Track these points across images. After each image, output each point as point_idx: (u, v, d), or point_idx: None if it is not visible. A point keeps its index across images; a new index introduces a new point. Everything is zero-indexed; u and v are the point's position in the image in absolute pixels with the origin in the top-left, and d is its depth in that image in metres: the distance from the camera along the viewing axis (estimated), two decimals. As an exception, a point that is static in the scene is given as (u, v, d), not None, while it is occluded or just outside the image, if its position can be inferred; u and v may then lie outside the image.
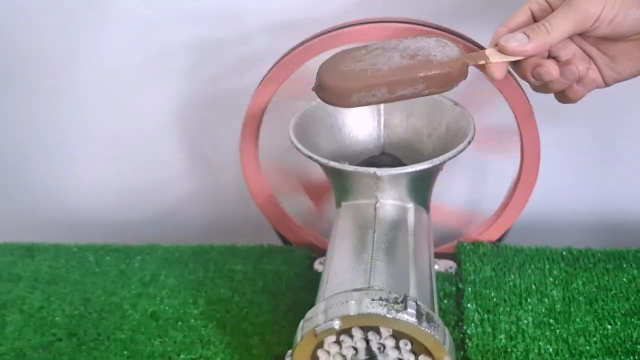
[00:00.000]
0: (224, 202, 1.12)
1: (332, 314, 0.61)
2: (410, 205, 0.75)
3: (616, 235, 1.04)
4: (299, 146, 0.73)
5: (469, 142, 0.72)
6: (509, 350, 0.79)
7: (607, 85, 0.65)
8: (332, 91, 0.57)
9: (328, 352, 0.63)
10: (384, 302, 0.60)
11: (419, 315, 0.60)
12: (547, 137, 0.85)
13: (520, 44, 0.61)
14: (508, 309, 0.84)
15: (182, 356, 0.81)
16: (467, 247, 0.93)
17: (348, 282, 0.65)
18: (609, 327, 0.81)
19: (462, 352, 0.78)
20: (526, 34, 0.61)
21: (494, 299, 0.85)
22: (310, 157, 0.72)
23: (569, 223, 1.05)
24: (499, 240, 0.94)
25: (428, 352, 0.62)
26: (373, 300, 0.61)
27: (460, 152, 0.71)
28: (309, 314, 0.63)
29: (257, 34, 0.98)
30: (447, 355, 0.61)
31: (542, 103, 0.78)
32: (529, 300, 0.85)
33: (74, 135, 1.09)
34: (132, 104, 1.07)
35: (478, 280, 0.88)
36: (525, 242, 0.93)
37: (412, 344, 0.62)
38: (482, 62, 0.60)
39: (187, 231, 1.12)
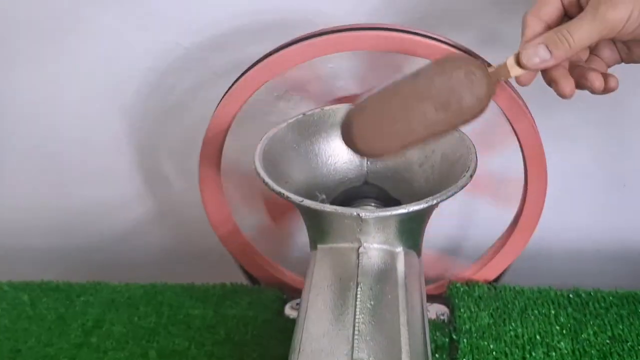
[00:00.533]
0: (185, 227, 0.99)
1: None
2: (400, 250, 0.63)
3: (628, 272, 0.92)
4: (267, 180, 0.60)
5: (471, 176, 0.60)
6: (512, 416, 0.67)
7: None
8: (365, 151, 0.56)
9: None
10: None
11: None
12: (549, 161, 0.74)
13: (542, 60, 0.56)
14: (510, 364, 0.72)
15: (126, 423, 0.68)
16: (460, 289, 0.81)
17: (327, 352, 0.53)
18: (628, 387, 0.69)
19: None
20: (548, 49, 0.56)
21: (494, 353, 0.74)
22: (280, 194, 0.59)
23: (573, 258, 0.93)
24: (496, 280, 0.83)
25: None
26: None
27: (462, 188, 0.59)
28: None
29: (224, 40, 0.86)
30: None
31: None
32: (533, 354, 0.73)
33: (4, 148, 0.95)
34: (79, 113, 0.93)
35: (474, 330, 0.76)
36: (525, 281, 0.82)
37: None
38: (504, 78, 0.57)
39: (141, 261, 0.98)
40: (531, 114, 0.72)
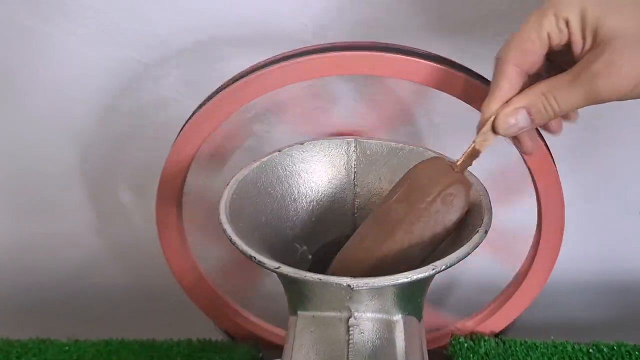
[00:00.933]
0: (146, 268, 0.87)
1: None
2: (398, 318, 0.52)
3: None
4: (235, 240, 0.49)
5: (486, 232, 0.49)
6: None
7: None
8: None
9: None
10: None
11: None
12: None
13: (521, 128, 0.48)
14: None
15: None
16: (464, 344, 0.70)
17: None
18: None
19: None
20: (530, 115, 0.48)
21: None
22: (251, 259, 0.48)
23: (586, 299, 0.82)
24: (503, 332, 0.72)
25: None
26: None
27: (476, 246, 0.48)
28: None
29: (188, 55, 0.74)
30: None
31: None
32: None
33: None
34: (25, 140, 0.82)
35: (483, 400, 0.65)
36: (534, 332, 0.71)
37: None
38: (475, 158, 0.51)
39: (94, 310, 0.86)
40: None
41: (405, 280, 0.46)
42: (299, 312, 0.53)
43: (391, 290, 0.49)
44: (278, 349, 0.72)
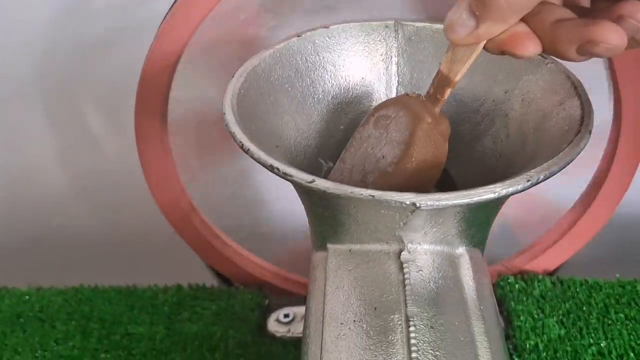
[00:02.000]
0: (121, 202, 0.74)
1: None
2: (462, 251, 0.39)
3: None
4: (248, 145, 0.35)
5: (590, 132, 0.36)
6: None
7: None
8: None
9: None
10: None
11: None
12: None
13: (469, 29, 0.33)
14: (599, 399, 0.50)
15: None
16: (514, 285, 0.58)
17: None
18: None
19: None
20: (473, 12, 0.33)
21: (574, 382, 0.51)
22: (274, 170, 0.35)
23: None
24: (558, 270, 0.60)
25: None
26: None
27: (580, 152, 0.35)
28: None
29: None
30: None
31: None
32: (630, 380, 0.51)
33: None
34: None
35: (542, 347, 0.53)
36: (597, 270, 0.59)
37: None
38: (449, 88, 0.37)
39: (60, 258, 0.72)
40: None
41: (492, 196, 0.33)
42: (329, 246, 0.40)
43: (459, 213, 0.37)
44: (287, 294, 0.59)
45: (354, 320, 0.36)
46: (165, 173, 0.55)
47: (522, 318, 0.55)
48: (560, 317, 0.56)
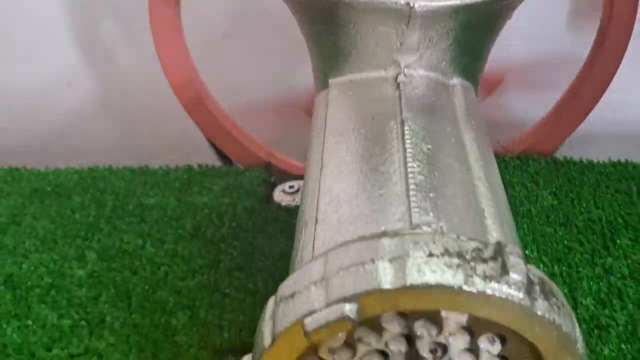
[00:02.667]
0: (133, 105, 0.75)
1: (341, 290, 0.28)
2: (456, 82, 0.42)
3: None
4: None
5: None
6: (603, 323, 0.48)
7: None
8: None
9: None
10: (456, 259, 0.28)
11: (529, 286, 0.28)
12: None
13: None
14: (588, 256, 0.53)
15: (55, 350, 0.47)
16: (510, 163, 0.60)
17: (365, 218, 0.32)
18: None
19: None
20: None
21: (565, 242, 0.54)
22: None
23: None
24: (553, 152, 0.63)
25: (534, 356, 0.30)
26: (432, 255, 0.28)
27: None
28: (287, 286, 0.30)
29: None
30: (577, 364, 0.30)
31: None
32: (618, 241, 0.54)
33: None
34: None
35: (535, 213, 0.56)
36: (591, 151, 0.62)
37: (503, 343, 0.30)
38: None
39: (71, 130, 0.72)
40: None
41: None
42: (331, 81, 0.43)
43: (452, 32, 0.39)
44: (292, 175, 0.62)
45: (353, 129, 0.38)
46: (178, 54, 0.58)
47: (516, 188, 0.58)
48: (554, 190, 0.58)
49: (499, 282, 0.27)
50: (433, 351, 0.31)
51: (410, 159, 0.34)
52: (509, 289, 0.27)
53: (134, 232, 0.56)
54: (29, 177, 0.61)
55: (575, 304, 0.49)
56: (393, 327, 0.29)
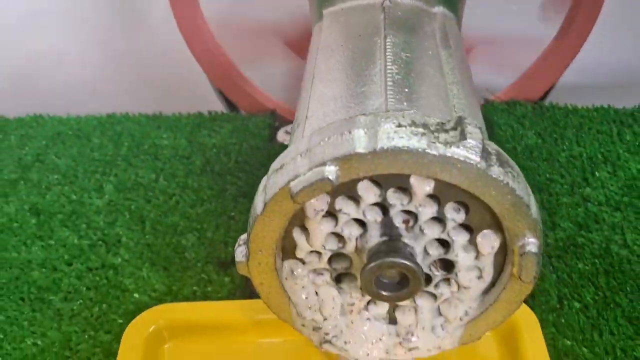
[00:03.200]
0: (146, 57, 0.77)
1: (322, 155, 0.32)
2: (438, 10, 0.46)
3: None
4: None
5: None
6: (579, 242, 0.52)
7: None
8: None
9: (311, 233, 0.35)
10: (421, 129, 0.32)
11: (485, 152, 0.32)
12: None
13: None
14: (568, 187, 0.57)
15: (75, 265, 0.52)
16: (498, 108, 0.64)
17: (345, 110, 0.36)
18: None
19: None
20: None
21: (547, 175, 0.58)
22: None
23: (632, 78, 0.75)
24: (542, 100, 0.67)
25: (495, 225, 0.34)
26: (400, 126, 0.32)
27: None
28: (277, 161, 0.34)
29: None
30: (532, 228, 0.34)
31: None
32: (596, 174, 0.58)
33: None
34: None
35: (520, 150, 0.60)
36: (575, 98, 0.66)
37: (467, 212, 0.34)
38: None
39: (92, 91, 0.76)
40: None
41: None
42: (324, 11, 0.48)
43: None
44: (292, 122, 0.66)
45: (341, 45, 0.43)
46: (191, 9, 0.63)
47: (503, 129, 0.62)
48: (538, 130, 0.62)
49: (458, 147, 0.31)
50: (405, 222, 0.35)
51: (389, 64, 0.39)
52: (466, 153, 0.31)
53: (148, 168, 0.60)
54: (52, 122, 0.66)
55: (553, 226, 0.53)
56: (368, 196, 0.34)
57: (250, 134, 0.63)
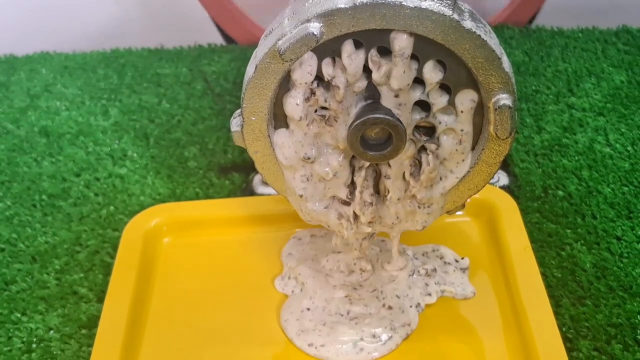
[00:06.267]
0: None
1: (306, 14, 0.35)
2: None
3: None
4: None
5: None
6: (564, 143, 0.54)
7: None
8: None
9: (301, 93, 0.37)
10: (397, -14, 0.34)
11: (459, 9, 0.35)
12: None
13: None
14: (553, 97, 0.59)
15: (83, 176, 0.55)
16: (486, 30, 0.67)
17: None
18: (701, 109, 0.56)
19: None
20: None
21: (533, 86, 0.60)
22: None
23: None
24: (529, 23, 0.69)
25: (471, 83, 0.37)
26: (377, -16, 0.34)
27: None
28: (267, 29, 0.37)
29: None
30: (504, 82, 0.36)
31: None
32: (581, 85, 0.60)
33: None
34: None
35: (507, 65, 0.62)
36: (562, 20, 0.68)
37: (444, 71, 0.36)
38: None
39: (96, 30, 0.75)
40: None
41: None
42: None
43: None
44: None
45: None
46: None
47: (490, 47, 0.64)
48: (525, 49, 0.64)
49: (432, 0, 0.34)
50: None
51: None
52: (440, 5, 0.34)
53: (151, 93, 0.63)
54: (59, 58, 0.69)
55: (539, 130, 0.56)
56: (350, 51, 0.36)
57: (248, 61, 0.66)
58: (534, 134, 0.55)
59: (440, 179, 0.40)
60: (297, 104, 0.37)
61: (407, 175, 0.40)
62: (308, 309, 0.44)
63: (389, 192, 0.41)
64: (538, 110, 0.57)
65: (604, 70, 0.61)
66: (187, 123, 0.59)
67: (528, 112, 0.57)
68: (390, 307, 0.44)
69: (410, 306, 0.44)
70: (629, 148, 0.53)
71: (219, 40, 0.71)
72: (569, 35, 0.66)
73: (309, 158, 0.39)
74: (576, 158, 0.53)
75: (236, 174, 0.54)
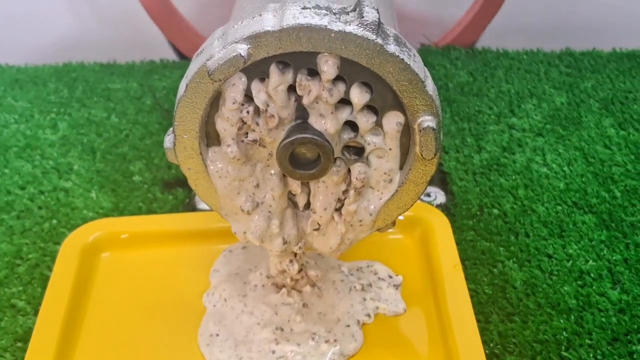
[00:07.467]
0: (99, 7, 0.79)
1: (234, 36, 0.36)
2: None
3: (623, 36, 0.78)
4: None
5: None
6: (502, 162, 0.56)
7: None
8: None
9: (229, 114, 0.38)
10: (324, 11, 0.35)
11: (383, 34, 0.36)
12: None
13: None
14: (495, 117, 0.61)
15: (28, 189, 0.55)
16: (434, 51, 0.68)
17: (261, 5, 0.40)
18: (634, 132, 0.58)
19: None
20: None
21: (476, 106, 0.62)
22: None
23: (560, 23, 0.78)
24: (473, 45, 0.71)
25: (397, 106, 0.38)
26: (305, 8, 0.35)
27: None
28: (199, 49, 0.38)
29: None
30: (428, 105, 0.37)
31: None
32: (522, 106, 0.62)
33: None
34: None
35: (452, 87, 0.64)
36: (507, 42, 0.70)
37: (371, 94, 0.37)
38: None
39: (48, 43, 0.77)
40: None
41: None
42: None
43: None
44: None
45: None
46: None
47: (436, 68, 0.65)
48: (470, 70, 0.66)
49: (356, 25, 0.35)
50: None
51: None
52: (363, 30, 0.35)
53: (100, 107, 0.63)
54: (10, 71, 0.69)
55: (479, 149, 0.57)
56: (279, 76, 0.37)
57: (200, 78, 0.66)
58: (474, 153, 0.57)
59: (368, 200, 0.41)
60: (224, 129, 0.38)
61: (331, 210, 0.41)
62: (217, 335, 0.44)
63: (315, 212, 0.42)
64: (479, 130, 0.59)
65: (545, 92, 0.63)
66: (134, 138, 0.60)
67: (469, 132, 0.59)
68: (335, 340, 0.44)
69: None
70: (565, 168, 0.55)
71: (172, 56, 0.71)
72: (513, 57, 0.68)
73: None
74: (513, 177, 0.54)
75: (180, 189, 0.54)
